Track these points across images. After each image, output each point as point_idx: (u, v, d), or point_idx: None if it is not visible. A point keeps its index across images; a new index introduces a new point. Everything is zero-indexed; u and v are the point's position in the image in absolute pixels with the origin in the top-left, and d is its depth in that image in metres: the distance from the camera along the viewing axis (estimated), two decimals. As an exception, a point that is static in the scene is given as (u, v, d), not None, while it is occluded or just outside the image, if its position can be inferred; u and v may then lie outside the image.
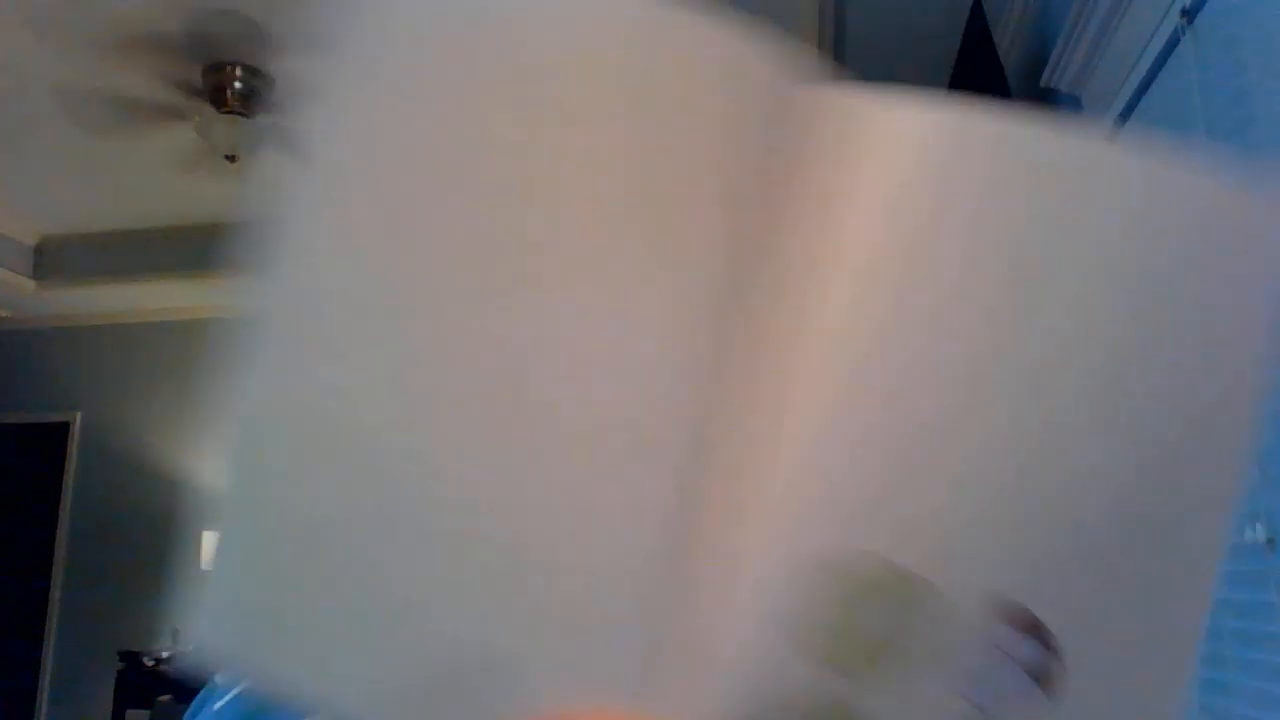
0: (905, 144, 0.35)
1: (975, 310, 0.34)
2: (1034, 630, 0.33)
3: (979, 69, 1.99)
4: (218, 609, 0.32)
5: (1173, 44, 1.38)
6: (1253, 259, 0.35)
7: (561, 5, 0.33)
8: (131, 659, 4.04)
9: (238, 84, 2.99)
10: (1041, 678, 0.33)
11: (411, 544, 0.32)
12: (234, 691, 0.44)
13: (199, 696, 0.45)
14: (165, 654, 4.08)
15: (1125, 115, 1.59)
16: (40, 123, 2.90)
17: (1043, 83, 1.86)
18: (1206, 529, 0.34)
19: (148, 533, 4.41)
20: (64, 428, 3.98)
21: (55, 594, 3.90)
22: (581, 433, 0.32)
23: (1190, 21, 1.31)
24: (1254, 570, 1.17)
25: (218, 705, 0.43)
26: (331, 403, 0.33)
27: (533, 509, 0.32)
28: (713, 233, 0.33)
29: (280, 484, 0.33)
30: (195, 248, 3.98)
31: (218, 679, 0.45)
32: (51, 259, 3.83)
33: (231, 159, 3.12)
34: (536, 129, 0.32)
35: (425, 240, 0.33)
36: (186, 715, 0.42)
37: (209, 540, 0.33)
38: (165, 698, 3.71)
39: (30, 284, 3.81)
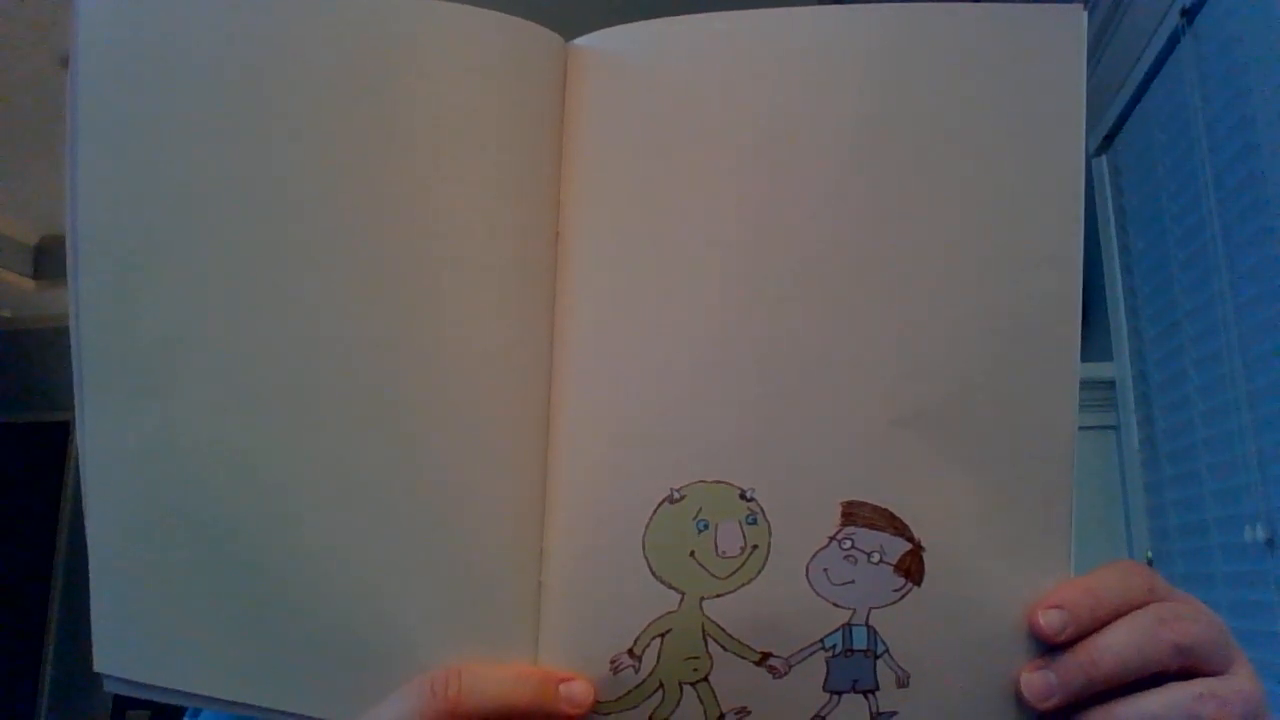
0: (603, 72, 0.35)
1: (734, 208, 0.34)
2: (885, 522, 0.33)
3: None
4: (110, 639, 0.33)
5: (1173, 44, 1.39)
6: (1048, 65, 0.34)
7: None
8: (131, 659, 4.02)
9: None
10: (901, 565, 0.33)
11: (286, 535, 0.33)
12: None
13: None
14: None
15: (1125, 115, 1.59)
16: (40, 123, 2.89)
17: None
18: (1055, 381, 0.33)
19: (148, 533, 4.39)
20: (64, 428, 3.97)
21: (55, 593, 3.90)
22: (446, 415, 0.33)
23: (1190, 21, 1.31)
24: (1254, 570, 1.17)
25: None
26: (180, 424, 0.33)
27: (409, 479, 0.33)
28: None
29: (153, 504, 0.33)
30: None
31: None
32: (51, 259, 3.82)
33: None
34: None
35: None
36: (187, 715, 0.42)
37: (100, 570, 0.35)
38: (165, 698, 3.70)
39: (30, 284, 3.81)
